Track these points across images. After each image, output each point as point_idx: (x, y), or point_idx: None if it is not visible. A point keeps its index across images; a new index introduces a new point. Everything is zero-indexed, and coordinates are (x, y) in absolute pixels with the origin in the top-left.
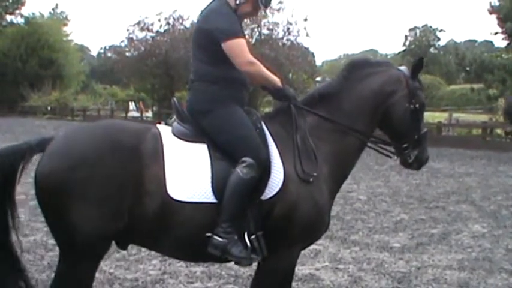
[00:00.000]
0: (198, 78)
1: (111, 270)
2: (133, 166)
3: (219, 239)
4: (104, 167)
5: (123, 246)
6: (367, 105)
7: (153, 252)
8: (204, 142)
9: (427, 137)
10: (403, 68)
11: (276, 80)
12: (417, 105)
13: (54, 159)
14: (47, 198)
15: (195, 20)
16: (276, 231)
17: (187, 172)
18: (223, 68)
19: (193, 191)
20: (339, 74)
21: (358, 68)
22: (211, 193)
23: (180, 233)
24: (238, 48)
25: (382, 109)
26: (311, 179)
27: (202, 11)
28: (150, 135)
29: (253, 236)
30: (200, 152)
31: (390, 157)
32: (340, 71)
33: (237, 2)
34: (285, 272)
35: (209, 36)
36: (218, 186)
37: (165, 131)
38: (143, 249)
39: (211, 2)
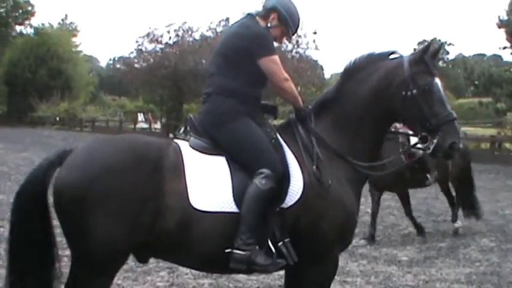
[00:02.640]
0: (217, 91)
1: (119, 282)
2: (155, 180)
3: (241, 252)
4: (127, 179)
5: (143, 259)
6: (370, 105)
7: (160, 264)
8: (222, 154)
9: (448, 121)
10: (406, 54)
11: (300, 99)
12: (414, 91)
13: (75, 170)
14: (66, 209)
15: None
16: (311, 237)
17: (208, 183)
18: (243, 83)
19: (215, 201)
20: (341, 77)
21: (358, 68)
22: (233, 203)
23: (204, 244)
24: (277, 65)
25: (384, 105)
26: (330, 184)
27: (232, 26)
28: (171, 149)
29: (280, 243)
30: (219, 163)
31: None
32: (341, 74)
33: (268, 25)
34: (333, 274)
35: (244, 51)
36: (239, 196)
37: (184, 145)
38: (151, 260)
39: (242, 19)
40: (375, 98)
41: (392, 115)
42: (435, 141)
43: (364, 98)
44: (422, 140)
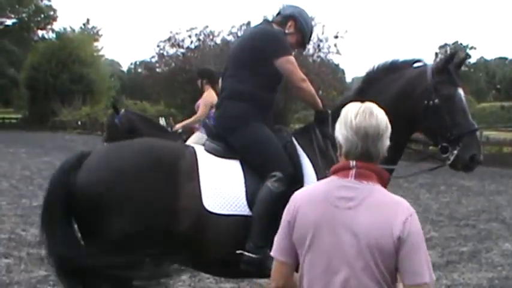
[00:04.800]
0: (230, 95)
1: None
2: (170, 183)
3: (252, 255)
4: (142, 182)
5: (157, 263)
6: (390, 112)
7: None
8: (236, 158)
9: (469, 132)
10: (430, 63)
11: (319, 100)
12: (436, 101)
13: (93, 172)
14: (83, 210)
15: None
16: None
17: (222, 186)
18: (256, 87)
19: (228, 204)
20: (362, 82)
21: (381, 74)
22: (246, 206)
23: (218, 247)
24: (293, 65)
25: (405, 113)
26: None
27: (247, 31)
28: (187, 152)
29: None
30: (233, 167)
31: (443, 161)
32: (363, 79)
33: (286, 31)
34: None
35: (259, 53)
36: (252, 199)
37: (199, 149)
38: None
39: (258, 24)
40: (396, 105)
41: (413, 124)
42: (455, 152)
43: (385, 105)
44: (442, 150)
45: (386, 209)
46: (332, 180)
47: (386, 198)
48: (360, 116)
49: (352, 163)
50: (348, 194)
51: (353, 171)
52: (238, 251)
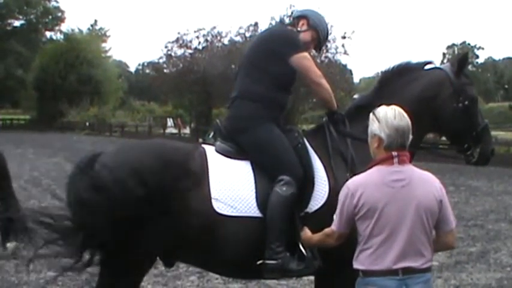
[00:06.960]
0: (240, 95)
1: (149, 287)
2: (181, 184)
3: (273, 262)
4: (154, 183)
5: (169, 263)
6: (408, 113)
7: (190, 268)
8: (247, 159)
9: (487, 129)
10: (445, 66)
11: (334, 99)
12: (466, 102)
13: (104, 173)
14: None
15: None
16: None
17: (232, 187)
18: (267, 87)
19: (238, 206)
20: (378, 82)
21: (397, 75)
22: (256, 207)
23: (227, 248)
24: (310, 61)
25: (427, 115)
26: None
27: (262, 33)
28: (197, 153)
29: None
30: (244, 168)
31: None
32: (379, 79)
33: (298, 29)
34: None
35: (271, 52)
36: (262, 200)
37: (209, 149)
38: (181, 265)
39: (273, 26)
40: (416, 107)
41: (432, 126)
42: (478, 149)
43: (402, 106)
44: (466, 150)
45: (427, 182)
46: (381, 169)
47: (422, 174)
48: (397, 118)
49: (394, 153)
50: (398, 177)
51: (396, 159)
52: (258, 262)
